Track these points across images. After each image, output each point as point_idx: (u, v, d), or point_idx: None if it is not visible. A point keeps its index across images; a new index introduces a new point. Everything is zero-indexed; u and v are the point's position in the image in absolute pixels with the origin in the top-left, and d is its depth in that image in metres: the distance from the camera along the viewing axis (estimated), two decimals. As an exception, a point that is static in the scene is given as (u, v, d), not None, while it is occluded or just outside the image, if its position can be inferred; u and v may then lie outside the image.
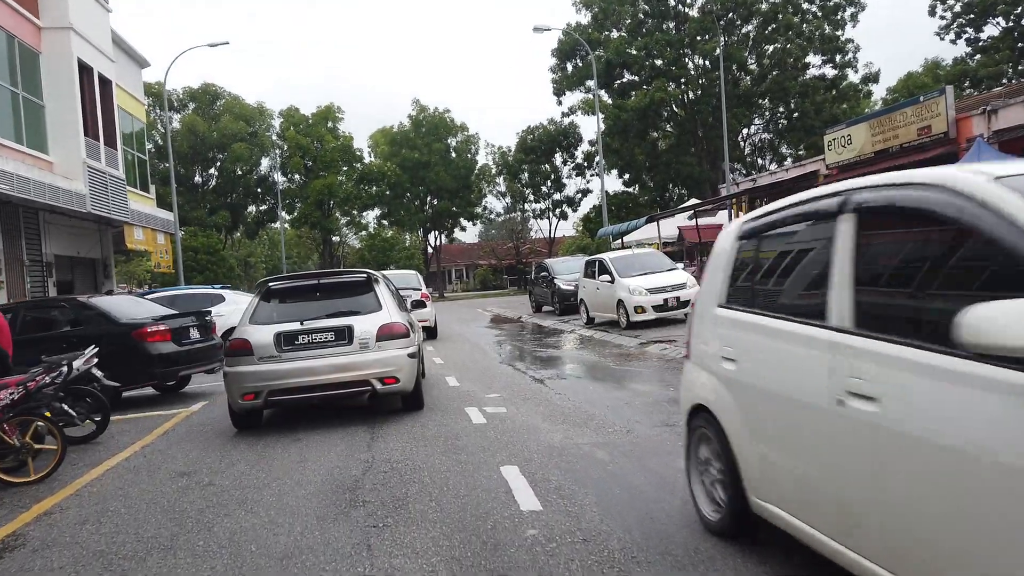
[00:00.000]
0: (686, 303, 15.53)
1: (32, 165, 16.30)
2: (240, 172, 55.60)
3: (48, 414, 6.20)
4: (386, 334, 7.39)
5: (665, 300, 15.27)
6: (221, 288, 14.77)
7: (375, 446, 6.64)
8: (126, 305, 10.40)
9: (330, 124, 56.31)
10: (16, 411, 6.01)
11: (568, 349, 14.48)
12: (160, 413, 9.46)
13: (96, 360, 7.45)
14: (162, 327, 9.68)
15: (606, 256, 17.53)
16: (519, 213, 63.14)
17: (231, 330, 14.11)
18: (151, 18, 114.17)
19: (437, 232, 63.17)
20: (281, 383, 7.19)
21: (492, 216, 66.82)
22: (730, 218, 29.98)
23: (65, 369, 6.40)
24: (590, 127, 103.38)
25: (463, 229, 64.94)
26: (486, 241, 77.80)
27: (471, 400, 8.70)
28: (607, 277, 16.28)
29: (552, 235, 60.63)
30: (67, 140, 18.01)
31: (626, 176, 54.63)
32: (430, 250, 65.94)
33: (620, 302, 15.72)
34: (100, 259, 23.71)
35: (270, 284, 8.05)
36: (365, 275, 8.06)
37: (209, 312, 11.08)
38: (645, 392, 8.65)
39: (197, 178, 55.21)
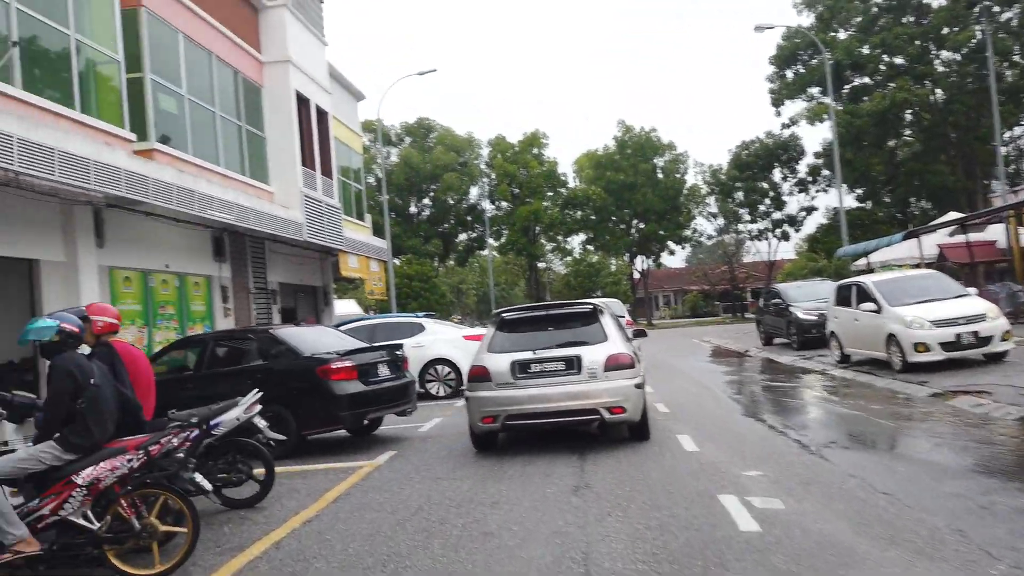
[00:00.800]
0: (987, 340, 12.03)
1: (253, 195, 16.59)
2: (451, 201, 57.30)
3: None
4: (613, 364, 7.63)
5: (958, 336, 11.86)
6: (424, 316, 13.86)
7: (591, 560, 4.67)
8: (312, 337, 9.29)
9: (535, 150, 56.34)
10: (136, 483, 4.78)
11: (828, 397, 11.64)
12: (339, 466, 8.12)
13: (259, 407, 6.27)
14: (347, 363, 8.46)
15: (868, 280, 14.29)
16: (733, 234, 58.92)
17: (432, 362, 13.31)
18: (362, 52, 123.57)
19: (644, 256, 60.71)
20: (517, 408, 7.60)
21: (702, 239, 63.14)
22: (1007, 233, 24.66)
23: (197, 431, 5.11)
24: (814, 138, 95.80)
25: (671, 253, 61.91)
26: (695, 265, 73.88)
27: (723, 480, 6.32)
28: (871, 305, 13.13)
29: (772, 257, 55.71)
30: (286, 170, 18.34)
31: (859, 190, 48.71)
32: (636, 275, 63.57)
33: (891, 337, 12.53)
34: (321, 287, 24.39)
35: (504, 315, 8.47)
36: (591, 306, 8.32)
37: (400, 346, 9.83)
38: (998, 485, 5.64)
39: (412, 208, 57.69)
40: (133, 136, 12.65)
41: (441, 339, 13.17)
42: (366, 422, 8.91)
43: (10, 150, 8.98)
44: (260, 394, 6.22)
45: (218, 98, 16.09)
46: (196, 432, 5.04)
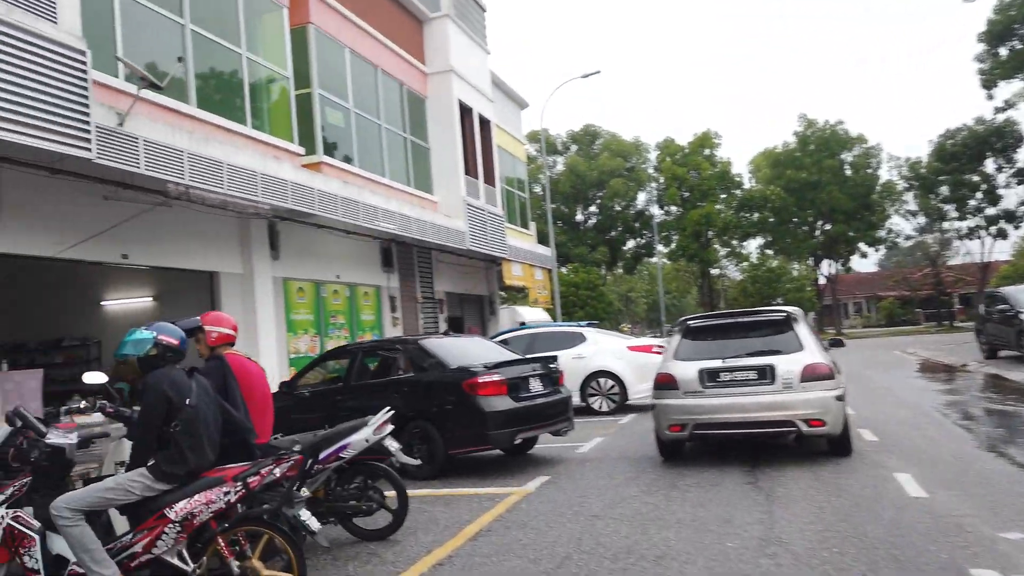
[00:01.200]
0: None
1: (417, 205, 16.65)
2: (618, 208, 56.08)
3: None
4: (810, 375, 7.35)
5: None
6: (586, 326, 12.90)
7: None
8: (462, 348, 8.57)
9: (707, 151, 53.75)
10: (238, 518, 4.16)
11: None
12: (485, 491, 7.31)
13: (390, 428, 5.62)
14: (495, 377, 7.68)
15: None
16: (937, 234, 52.71)
17: (594, 374, 12.08)
18: (525, 60, 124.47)
19: (830, 260, 55.95)
20: (706, 417, 7.45)
21: (898, 239, 57.13)
22: None
23: (300, 458, 4.54)
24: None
25: (862, 256, 56.52)
26: (891, 268, 67.15)
27: (973, 546, 4.68)
28: None
29: (986, 258, 49.13)
30: (449, 180, 18.31)
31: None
32: (822, 280, 58.71)
33: None
34: (486, 296, 24.35)
35: (689, 323, 8.30)
36: (784, 314, 7.97)
37: (554, 358, 8.92)
38: None
39: (579, 216, 57.16)
40: (302, 150, 12.95)
41: (604, 350, 12.17)
42: (518, 441, 8.04)
43: (181, 164, 9.29)
44: (391, 412, 5.64)
45: (383, 111, 16.30)
46: (303, 458, 4.51)
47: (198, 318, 4.96)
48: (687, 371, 7.59)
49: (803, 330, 7.76)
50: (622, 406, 11.98)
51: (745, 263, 57.94)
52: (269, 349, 12.84)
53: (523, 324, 36.25)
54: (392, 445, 5.57)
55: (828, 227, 53.82)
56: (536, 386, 8.18)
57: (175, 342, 4.21)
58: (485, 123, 20.42)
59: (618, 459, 8.46)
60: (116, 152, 8.36)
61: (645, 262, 66.85)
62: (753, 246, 59.87)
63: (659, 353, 12.07)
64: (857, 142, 52.22)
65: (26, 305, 14.08)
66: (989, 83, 43.91)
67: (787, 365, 7.34)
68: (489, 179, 20.30)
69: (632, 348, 12.17)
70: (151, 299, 14.07)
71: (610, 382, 11.91)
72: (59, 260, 9.56)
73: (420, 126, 18.11)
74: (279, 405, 8.52)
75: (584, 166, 53.84)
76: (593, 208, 57.23)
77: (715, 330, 8.11)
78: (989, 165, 47.73)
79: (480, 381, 7.60)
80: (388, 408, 5.64)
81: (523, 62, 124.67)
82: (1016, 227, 48.65)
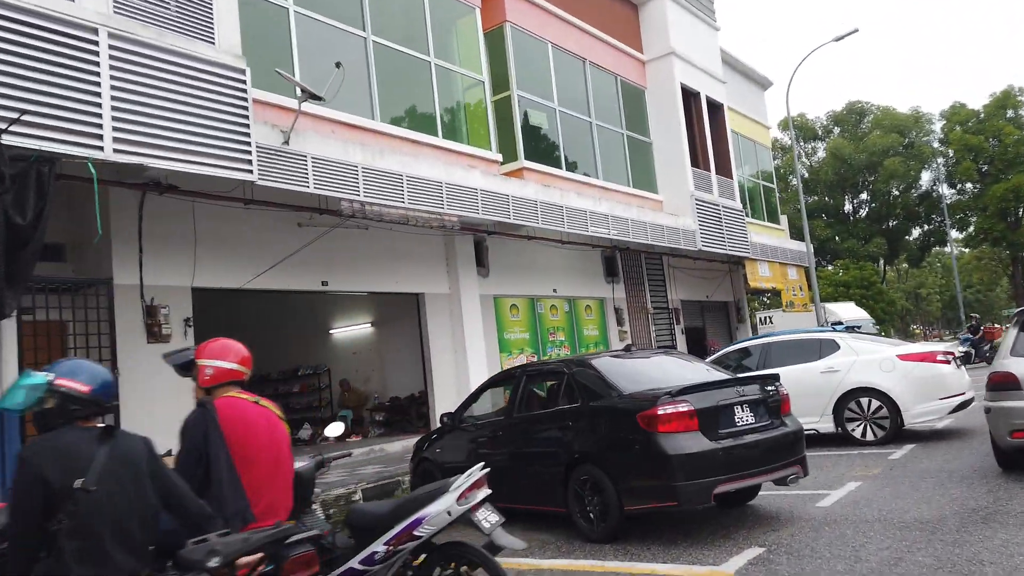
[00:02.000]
0: None
1: (638, 206, 15.01)
2: (896, 192, 48.61)
3: None
4: None
5: None
6: (843, 330, 9.78)
7: None
8: (642, 368, 6.46)
9: (1010, 112, 44.35)
10: None
11: None
12: (663, 572, 5.03)
13: (484, 492, 3.84)
14: (682, 406, 5.50)
15: None
16: None
17: (851, 393, 9.05)
18: (768, 34, 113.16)
19: None
20: None
21: None
22: None
23: (310, 554, 3.10)
24: None
25: None
26: None
27: None
28: None
29: None
30: (674, 174, 16.38)
31: None
32: None
33: None
34: (732, 301, 21.79)
35: None
36: None
37: (776, 377, 6.48)
38: None
39: (847, 206, 50.55)
40: (498, 156, 12.05)
41: (864, 360, 9.20)
42: (720, 493, 5.53)
43: (356, 181, 8.73)
44: (486, 470, 4.02)
45: (594, 107, 14.94)
46: (309, 558, 3.12)
47: (190, 350, 3.76)
48: None
49: None
50: (897, 433, 9.05)
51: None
52: (479, 371, 12.06)
53: (839, 324, 31.87)
54: (487, 519, 3.75)
55: None
56: (745, 417, 5.90)
57: (83, 388, 2.77)
58: (716, 107, 18.14)
59: (878, 521, 5.68)
60: (282, 173, 7.97)
61: (935, 252, 57.37)
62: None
63: (945, 362, 9.09)
64: None
65: (265, 337, 14.96)
66: None
67: None
68: (724, 170, 17.94)
69: (904, 357, 9.08)
70: (370, 325, 14.11)
71: (875, 402, 8.96)
72: (270, 292, 9.57)
73: (639, 120, 16.45)
74: (444, 440, 7.35)
75: (850, 148, 47.35)
76: (864, 196, 50.15)
77: None
78: None
79: (659, 413, 5.47)
80: (482, 464, 3.98)
81: (766, 38, 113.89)
82: None
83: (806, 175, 50.58)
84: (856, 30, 21.10)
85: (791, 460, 6.00)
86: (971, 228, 46.25)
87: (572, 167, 14.00)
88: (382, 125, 9.82)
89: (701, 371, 6.55)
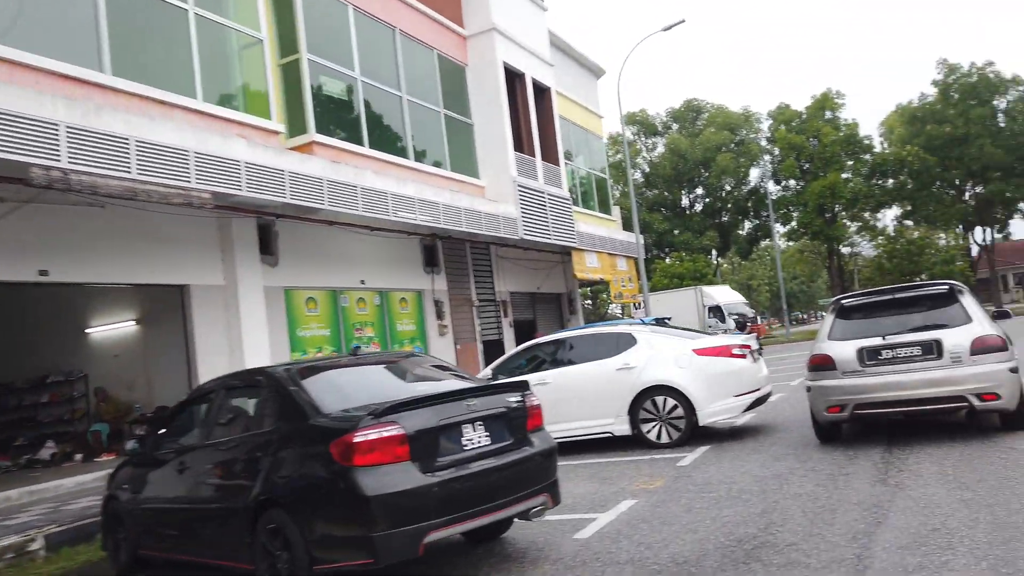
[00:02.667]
0: None
1: (460, 192, 13.89)
2: (728, 187, 50.99)
3: None
4: (981, 347, 7.01)
5: None
6: (641, 325, 8.89)
7: None
8: (356, 380, 5.07)
9: (829, 114, 47.63)
10: None
11: None
12: None
13: None
14: (387, 431, 4.19)
15: None
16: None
17: (647, 392, 8.34)
18: (598, 32, 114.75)
19: (984, 227, 48.55)
20: (867, 397, 7.22)
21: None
22: None
23: None
24: None
25: (1025, 218, 48.73)
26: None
27: None
28: None
29: None
30: (496, 159, 15.41)
31: None
32: (975, 251, 51.18)
33: None
34: (565, 292, 21.27)
35: (843, 301, 8.07)
36: (947, 287, 7.66)
37: (525, 384, 5.13)
38: None
39: (684, 200, 52.48)
40: (280, 127, 10.47)
41: (660, 356, 8.38)
42: (437, 538, 4.25)
43: (56, 142, 6.91)
44: None
45: (405, 80, 13.62)
46: None
47: None
48: (844, 351, 7.34)
49: (969, 302, 7.45)
50: (691, 435, 8.32)
51: (880, 237, 50.98)
52: (261, 375, 10.44)
53: (715, 308, 31.27)
54: None
55: (980, 189, 46.65)
56: (477, 438, 4.61)
57: None
58: (542, 91, 17.38)
59: (630, 563, 4.57)
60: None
61: (764, 246, 61.06)
62: (889, 217, 53.14)
63: (741, 356, 8.57)
64: (1012, 84, 44.75)
65: (6, 339, 12.47)
66: None
67: (955, 339, 7.04)
68: (550, 157, 17.22)
69: (700, 351, 8.33)
70: (134, 322, 12.06)
71: (671, 401, 8.17)
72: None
73: (460, 99, 15.32)
74: (137, 472, 5.66)
75: (686, 144, 49.13)
76: (700, 190, 52.27)
77: (870, 308, 7.76)
78: None
79: (355, 441, 4.11)
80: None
81: (597, 25, 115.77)
82: None
83: (647, 169, 52.02)
84: (683, 20, 21.16)
85: (536, 489, 4.79)
86: (793, 223, 49.33)
87: (378, 145, 12.62)
88: (108, 78, 7.98)
89: (443, 381, 5.29)
